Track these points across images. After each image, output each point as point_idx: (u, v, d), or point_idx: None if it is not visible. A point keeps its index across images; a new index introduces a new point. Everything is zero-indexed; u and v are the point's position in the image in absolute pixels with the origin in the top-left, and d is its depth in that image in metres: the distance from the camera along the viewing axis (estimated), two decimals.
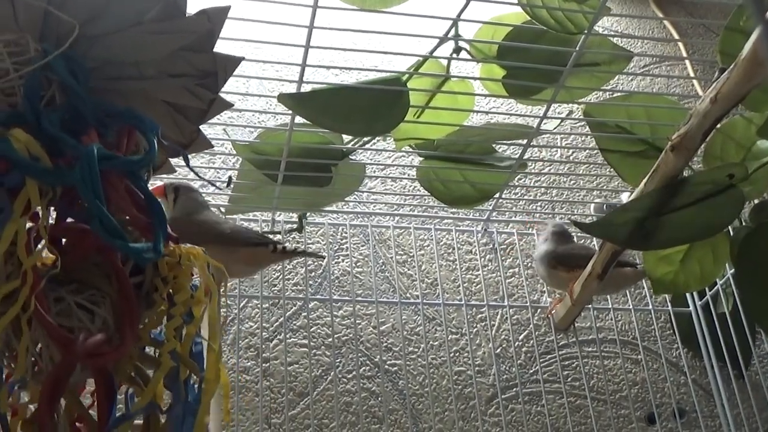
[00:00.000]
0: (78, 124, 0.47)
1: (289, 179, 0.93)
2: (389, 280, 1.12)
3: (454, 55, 0.88)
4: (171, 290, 0.50)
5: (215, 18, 0.51)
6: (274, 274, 1.08)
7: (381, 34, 0.83)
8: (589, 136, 0.95)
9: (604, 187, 1.27)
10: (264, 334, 1.04)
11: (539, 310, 1.13)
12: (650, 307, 1.15)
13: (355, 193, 1.04)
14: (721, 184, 0.73)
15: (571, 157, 1.30)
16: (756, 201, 0.89)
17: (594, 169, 1.23)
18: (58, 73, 0.47)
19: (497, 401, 1.06)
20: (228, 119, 1.14)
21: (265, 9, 0.78)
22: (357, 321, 1.08)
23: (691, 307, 1.14)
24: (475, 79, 0.93)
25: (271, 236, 0.92)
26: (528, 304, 1.13)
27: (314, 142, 0.92)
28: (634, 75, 1.40)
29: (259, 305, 1.06)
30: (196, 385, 0.49)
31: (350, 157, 0.95)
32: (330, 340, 1.05)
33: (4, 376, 0.48)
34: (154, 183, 1.04)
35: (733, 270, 1.04)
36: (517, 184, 1.21)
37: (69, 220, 0.49)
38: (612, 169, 0.94)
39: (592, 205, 1.23)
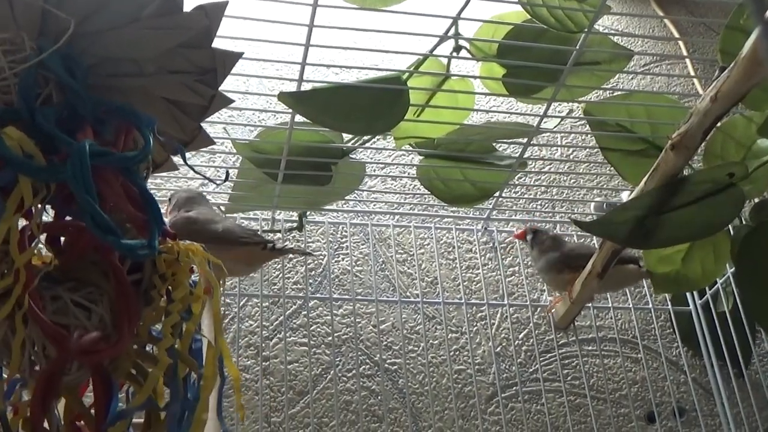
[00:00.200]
0: (75, 121, 0.47)
1: (289, 178, 0.93)
2: (389, 278, 1.12)
3: (455, 54, 0.88)
4: (170, 287, 0.50)
5: (213, 14, 0.51)
6: (274, 273, 1.08)
7: (381, 33, 0.83)
8: (589, 135, 0.95)
9: (605, 186, 1.27)
10: (264, 332, 1.04)
11: (539, 309, 1.13)
12: (650, 305, 1.15)
13: (355, 191, 1.04)
14: (721, 182, 0.73)
15: (571, 156, 1.30)
16: (756, 200, 0.89)
17: (594, 167, 1.23)
18: (53, 70, 0.47)
19: (497, 400, 1.06)
20: (228, 118, 1.14)
21: (266, 7, 0.78)
22: (357, 320, 1.08)
23: (691, 306, 1.14)
24: (475, 77, 0.93)
25: (268, 234, 0.92)
26: (528, 302, 1.13)
27: (314, 141, 0.92)
28: (635, 74, 1.40)
29: (258, 304, 1.06)
30: (196, 383, 0.49)
31: (350, 155, 0.95)
32: (330, 338, 1.05)
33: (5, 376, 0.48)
34: (156, 181, 1.04)
35: (733, 269, 1.04)
36: (517, 182, 1.21)
37: (67, 218, 0.49)
38: (612, 168, 0.93)
39: (593, 204, 1.23)
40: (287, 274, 1.09)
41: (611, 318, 1.16)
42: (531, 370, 1.10)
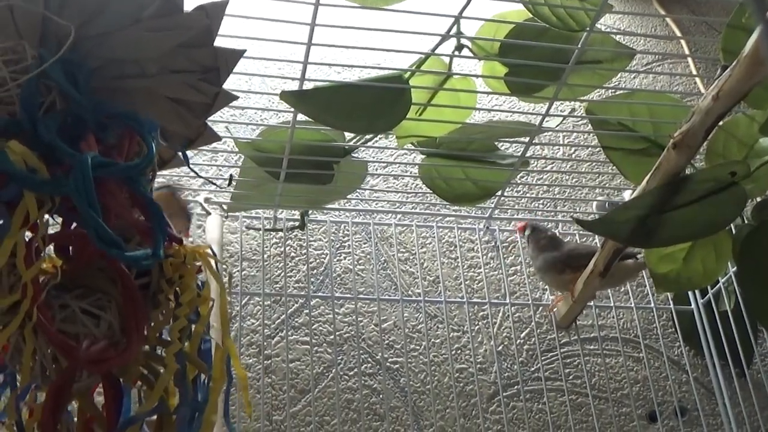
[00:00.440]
0: (78, 128, 0.47)
1: (291, 177, 0.93)
2: (391, 277, 1.13)
3: (456, 53, 0.88)
4: (177, 290, 0.50)
5: (213, 13, 0.52)
6: (276, 272, 1.09)
7: (383, 32, 0.83)
8: (591, 134, 0.95)
9: (607, 185, 1.27)
10: (266, 331, 1.04)
11: (541, 308, 1.14)
12: (652, 305, 1.15)
13: (357, 190, 1.04)
14: (723, 181, 0.73)
15: (573, 155, 1.30)
16: (758, 199, 0.89)
17: (596, 166, 1.23)
18: (54, 79, 0.46)
19: (498, 399, 1.06)
20: (230, 117, 1.14)
21: (268, 6, 0.78)
22: (359, 318, 1.08)
23: (693, 305, 1.14)
24: (477, 76, 0.93)
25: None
26: (530, 301, 1.13)
27: (316, 140, 0.92)
28: (637, 73, 1.40)
29: (260, 302, 1.06)
30: (206, 384, 0.49)
31: (352, 154, 0.96)
32: (331, 337, 1.06)
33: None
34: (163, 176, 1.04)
35: (735, 268, 1.04)
36: (519, 181, 1.22)
37: (74, 225, 0.49)
38: (614, 167, 0.93)
39: (595, 203, 1.23)
40: (289, 273, 1.09)
41: (613, 317, 1.16)
42: (533, 369, 1.10)
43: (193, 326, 0.48)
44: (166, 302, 0.49)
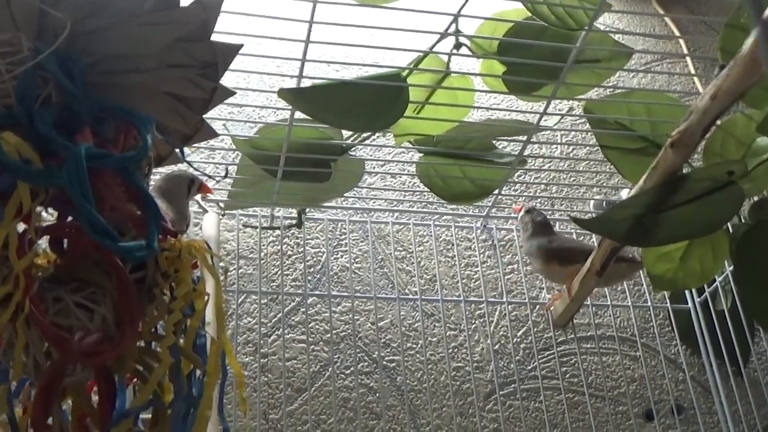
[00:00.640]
0: (74, 121, 0.47)
1: (289, 175, 0.93)
2: (388, 276, 1.13)
3: (455, 51, 0.88)
4: (173, 284, 0.50)
5: (210, 8, 0.52)
6: (272, 270, 1.09)
7: (381, 30, 0.83)
8: (589, 133, 0.95)
9: (604, 184, 1.27)
10: (262, 329, 1.04)
11: (538, 307, 1.14)
12: (649, 304, 1.16)
13: (355, 188, 1.04)
14: (720, 181, 0.73)
15: (571, 154, 1.30)
16: (755, 198, 0.89)
17: (594, 165, 1.23)
18: (50, 70, 0.46)
19: (495, 397, 1.06)
20: (228, 114, 1.14)
21: (266, 4, 0.78)
22: (355, 317, 1.08)
23: (690, 304, 1.14)
24: (475, 75, 0.93)
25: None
26: (527, 300, 1.13)
27: (314, 138, 0.92)
28: (635, 72, 1.40)
29: (257, 301, 1.06)
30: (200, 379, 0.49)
31: (350, 152, 0.96)
32: (328, 335, 1.06)
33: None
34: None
35: (732, 267, 1.04)
36: (516, 180, 1.22)
37: (69, 219, 0.49)
38: (612, 166, 0.94)
39: (592, 202, 1.23)
40: (286, 271, 1.09)
41: (610, 316, 1.16)
42: (529, 367, 1.10)
43: (189, 320, 0.48)
44: (162, 296, 0.49)
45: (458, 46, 0.88)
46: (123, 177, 0.47)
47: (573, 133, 1.29)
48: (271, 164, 0.92)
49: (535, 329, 1.12)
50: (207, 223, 1.00)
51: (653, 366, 1.14)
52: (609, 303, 1.15)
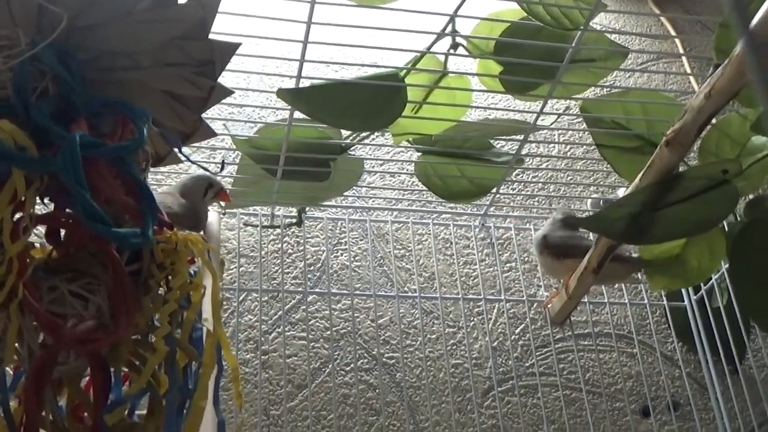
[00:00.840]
0: (71, 113, 0.47)
1: (288, 174, 0.93)
2: (387, 274, 1.12)
3: (452, 51, 0.88)
4: (169, 276, 0.50)
5: (208, 6, 0.51)
6: (273, 268, 1.08)
7: (379, 30, 0.82)
8: (585, 132, 0.95)
9: (601, 183, 1.27)
10: (263, 326, 1.04)
11: (535, 304, 1.13)
12: (646, 301, 1.15)
13: (354, 188, 1.04)
14: (715, 179, 0.73)
15: (568, 153, 1.29)
16: (750, 196, 0.89)
17: (591, 164, 1.23)
18: (47, 63, 0.47)
19: (493, 394, 1.06)
20: (228, 114, 1.14)
21: (265, 5, 0.77)
22: (355, 314, 1.08)
23: (686, 302, 1.14)
24: (472, 74, 0.93)
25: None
26: (524, 298, 1.13)
27: (313, 137, 0.91)
28: (632, 71, 1.40)
29: (258, 298, 1.06)
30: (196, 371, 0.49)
31: (349, 152, 0.95)
32: (328, 333, 1.05)
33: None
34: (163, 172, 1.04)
35: (727, 265, 1.04)
36: (514, 179, 1.21)
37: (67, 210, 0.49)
38: (608, 165, 0.93)
39: (589, 201, 1.23)
40: (286, 270, 1.09)
41: (607, 313, 1.16)
42: (527, 364, 1.10)
43: (185, 312, 0.48)
44: (157, 288, 0.49)
45: (455, 46, 0.87)
46: (118, 168, 0.47)
47: (570, 132, 1.28)
48: (270, 164, 0.92)
49: (533, 326, 1.12)
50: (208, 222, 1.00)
51: (650, 363, 1.14)
52: (606, 300, 1.14)
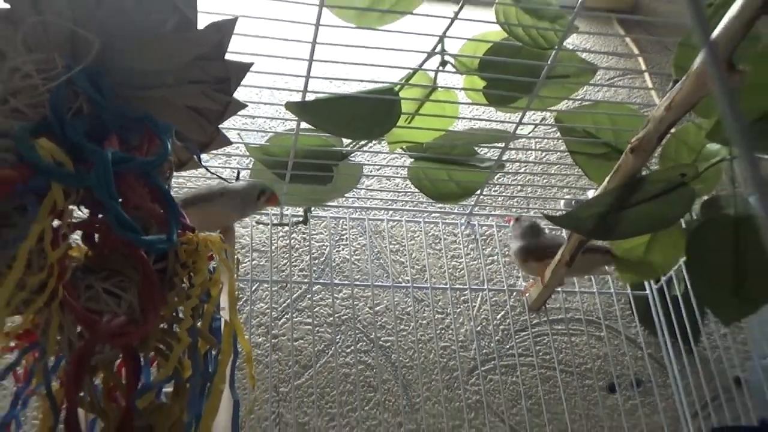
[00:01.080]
0: (103, 131, 0.47)
1: (296, 178, 0.93)
2: (383, 266, 1.12)
3: (441, 68, 0.88)
4: (191, 274, 0.50)
5: (224, 29, 0.51)
6: (282, 261, 1.08)
7: (376, 49, 0.82)
8: (559, 140, 0.95)
9: (573, 185, 1.27)
10: (273, 313, 1.04)
11: (515, 293, 1.14)
12: (612, 290, 1.16)
13: (354, 190, 1.04)
14: (674, 182, 0.73)
15: (544, 159, 1.30)
16: (705, 197, 0.89)
17: (564, 169, 1.23)
18: (80, 86, 0.46)
19: (477, 373, 1.06)
20: (242, 125, 1.14)
21: (275, 27, 0.77)
22: (355, 302, 1.08)
23: (648, 291, 1.14)
24: (459, 89, 0.93)
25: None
26: (505, 287, 1.13)
27: (317, 145, 0.91)
28: (600, 86, 1.40)
29: (268, 288, 1.06)
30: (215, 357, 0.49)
31: (349, 158, 0.95)
32: (331, 319, 1.05)
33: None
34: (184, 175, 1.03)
35: (684, 258, 1.04)
36: (496, 182, 1.21)
37: (100, 216, 0.49)
38: (580, 169, 0.94)
39: (562, 201, 1.23)
40: (294, 263, 1.09)
41: (578, 301, 1.16)
42: (507, 346, 1.10)
43: (205, 305, 0.48)
44: (181, 284, 0.49)
45: (444, 63, 0.87)
46: (145, 179, 0.47)
47: (545, 140, 1.28)
48: (280, 169, 0.92)
49: (513, 313, 1.12)
50: None
51: (615, 345, 1.14)
52: (577, 290, 1.15)
